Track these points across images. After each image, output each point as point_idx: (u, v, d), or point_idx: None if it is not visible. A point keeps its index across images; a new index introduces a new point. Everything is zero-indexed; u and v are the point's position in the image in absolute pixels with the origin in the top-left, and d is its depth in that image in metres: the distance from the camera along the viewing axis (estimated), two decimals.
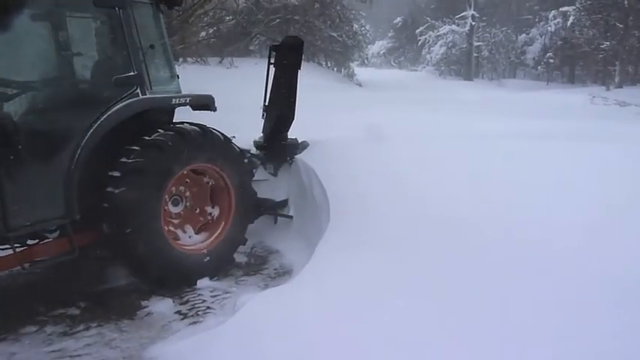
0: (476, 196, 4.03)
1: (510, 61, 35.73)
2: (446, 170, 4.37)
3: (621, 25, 25.60)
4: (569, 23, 29.19)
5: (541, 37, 32.48)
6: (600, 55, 27.98)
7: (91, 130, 3.80)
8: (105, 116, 3.88)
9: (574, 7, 29.22)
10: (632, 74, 28.07)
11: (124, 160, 3.93)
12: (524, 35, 34.46)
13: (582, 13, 28.71)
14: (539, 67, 33.26)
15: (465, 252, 3.58)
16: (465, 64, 32.81)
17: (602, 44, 26.55)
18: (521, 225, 3.68)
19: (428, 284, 3.43)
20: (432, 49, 34.67)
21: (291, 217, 5.45)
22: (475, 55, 33.32)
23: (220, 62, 17.00)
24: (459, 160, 4.55)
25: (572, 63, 32.76)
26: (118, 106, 3.95)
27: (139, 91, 4.08)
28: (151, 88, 4.19)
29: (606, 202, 3.88)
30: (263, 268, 4.80)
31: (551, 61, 31.62)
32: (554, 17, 31.03)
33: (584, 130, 7.43)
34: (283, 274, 4.63)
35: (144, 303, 3.96)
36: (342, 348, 3.02)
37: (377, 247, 3.90)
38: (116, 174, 3.89)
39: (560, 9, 30.27)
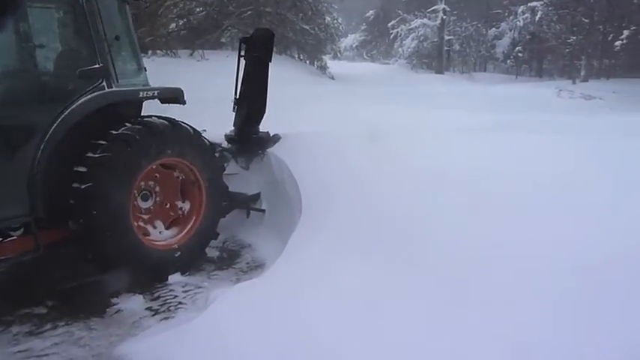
0: (440, 188, 4.08)
1: (481, 54, 36.26)
2: (414, 163, 4.42)
3: (587, 20, 26.26)
4: (537, 18, 29.77)
5: (510, 31, 33.04)
6: (567, 50, 28.68)
7: (55, 125, 3.71)
8: (69, 110, 3.78)
9: (542, 3, 29.82)
10: (597, 68, 28.86)
11: (90, 154, 3.85)
12: (494, 29, 34.99)
13: (550, 8, 29.35)
14: (508, 61, 33.85)
15: (435, 241, 3.63)
16: (436, 58, 33.13)
17: (569, 39, 27.21)
18: (484, 215, 3.74)
19: (401, 276, 3.46)
20: (403, 42, 34.88)
21: (263, 210, 5.43)
22: (446, 48, 33.67)
23: (191, 55, 16.74)
24: (427, 152, 4.60)
25: (540, 57, 33.47)
26: (82, 100, 3.86)
27: (104, 84, 4.00)
28: (118, 81, 4.11)
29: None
30: (235, 262, 4.77)
31: (520, 55, 32.24)
32: (523, 12, 31.58)
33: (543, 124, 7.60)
34: (255, 268, 4.61)
35: (113, 300, 3.89)
36: (314, 341, 3.03)
37: (349, 240, 3.91)
38: (82, 169, 3.80)
39: (529, 4, 30.83)
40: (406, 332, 2.99)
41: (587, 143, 4.85)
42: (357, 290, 3.42)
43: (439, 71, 31.26)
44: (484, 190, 3.98)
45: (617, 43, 24.11)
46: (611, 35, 25.01)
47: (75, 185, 3.77)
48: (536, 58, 33.88)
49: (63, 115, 3.75)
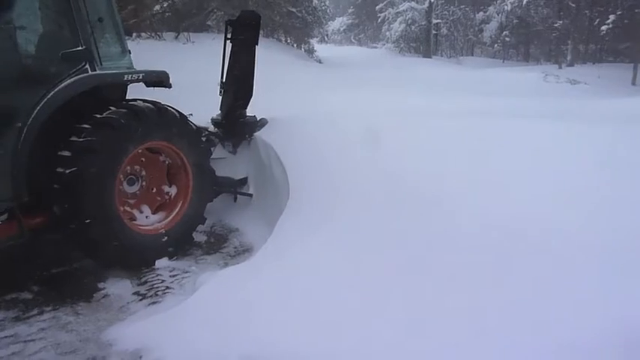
0: (435, 172, 4.10)
1: (468, 39, 36.20)
2: (403, 146, 4.43)
3: (573, 5, 26.29)
4: (524, 2, 29.74)
5: (498, 15, 32.99)
6: (553, 34, 28.73)
7: (38, 108, 3.65)
8: (52, 93, 3.72)
9: None
10: (583, 53, 29.00)
11: (74, 139, 3.79)
12: (481, 13, 34.91)
13: None
14: (495, 45, 33.87)
15: (423, 225, 3.65)
16: (423, 42, 33.02)
17: (556, 23, 27.22)
18: (479, 198, 3.77)
19: (388, 261, 3.49)
20: (391, 26, 34.67)
21: (250, 195, 5.42)
22: (434, 32, 33.55)
23: (176, 37, 16.46)
24: (418, 136, 4.61)
25: (527, 41, 33.52)
26: (65, 83, 3.79)
27: (88, 66, 3.94)
28: (101, 64, 4.05)
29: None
30: (223, 246, 4.77)
31: (507, 39, 32.25)
32: None
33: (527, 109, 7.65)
34: (243, 252, 4.62)
35: (100, 285, 3.88)
36: (302, 325, 3.06)
37: (336, 224, 3.93)
38: (66, 154, 3.75)
39: None
40: (386, 308, 3.07)
41: (561, 126, 4.88)
42: (343, 271, 3.45)
43: (427, 55, 31.18)
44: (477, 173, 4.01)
45: (603, 27, 24.18)
46: (597, 20, 25.09)
47: (59, 170, 3.72)
48: (523, 43, 33.93)
49: (46, 99, 3.69)
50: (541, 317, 2.80)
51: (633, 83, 19.78)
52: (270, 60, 12.00)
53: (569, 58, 25.49)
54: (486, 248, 3.31)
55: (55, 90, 3.74)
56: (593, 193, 3.60)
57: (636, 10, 22.16)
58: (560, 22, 26.39)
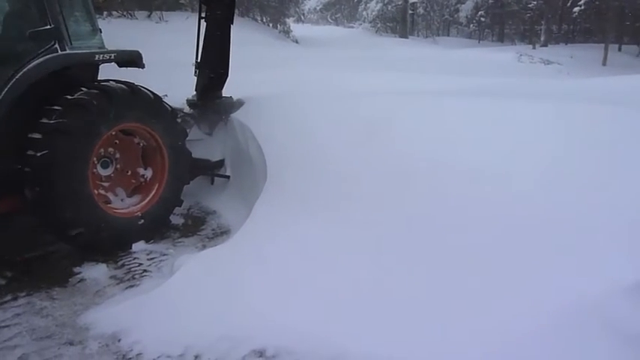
0: (411, 153, 4.13)
1: (444, 19, 36.25)
2: (380, 126, 4.44)
3: None
4: None
5: None
6: (527, 15, 28.97)
7: (5, 90, 3.54)
8: (20, 74, 3.61)
9: None
10: (556, 33, 29.37)
11: (44, 121, 3.70)
12: None
13: None
14: (471, 26, 34.01)
15: (399, 206, 3.69)
16: (400, 22, 32.93)
17: (530, 3, 27.43)
18: (455, 176, 3.81)
19: (364, 241, 3.53)
20: (368, 5, 34.45)
21: (227, 177, 5.39)
22: (410, 12, 33.47)
23: (149, 16, 16.06)
24: (393, 116, 4.62)
25: (501, 22, 33.73)
26: (33, 63, 3.68)
27: (57, 46, 3.82)
28: (71, 44, 3.93)
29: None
30: (200, 229, 4.75)
31: (483, 19, 32.40)
32: None
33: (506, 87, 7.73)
34: (221, 234, 4.61)
35: (76, 269, 3.83)
36: (279, 306, 3.09)
37: (314, 205, 3.95)
38: (37, 136, 3.66)
39: None
40: (359, 282, 3.17)
41: (540, 106, 4.95)
42: (322, 251, 3.49)
43: (403, 35, 31.12)
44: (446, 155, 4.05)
45: (576, 9, 24.49)
46: (570, 1, 25.37)
47: (30, 152, 3.63)
48: (498, 23, 34.14)
49: (13, 80, 3.58)
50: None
51: (604, 64, 20.18)
52: (246, 40, 11.83)
53: (542, 38, 25.78)
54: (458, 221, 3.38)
55: (23, 70, 3.63)
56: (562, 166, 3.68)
57: None
58: (535, 2, 26.60)
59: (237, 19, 5.70)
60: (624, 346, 2.52)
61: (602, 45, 21.31)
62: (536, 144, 3.75)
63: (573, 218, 3.21)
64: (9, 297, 3.45)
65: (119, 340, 2.95)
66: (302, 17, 29.93)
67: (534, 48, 23.16)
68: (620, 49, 24.17)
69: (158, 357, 2.80)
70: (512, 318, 2.78)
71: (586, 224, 3.15)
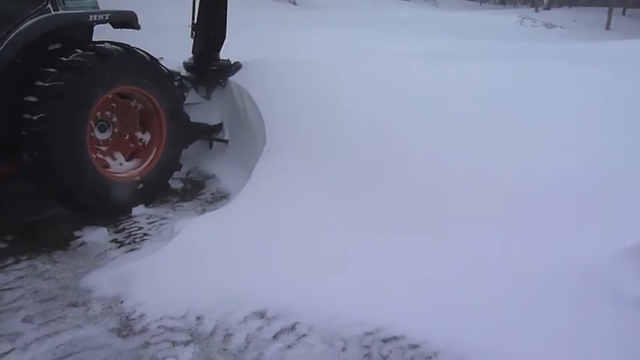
0: (415, 118, 4.10)
1: None
2: (378, 88, 4.39)
3: None
4: None
5: None
6: None
7: None
8: (12, 35, 3.53)
9: None
10: None
11: (40, 83, 3.63)
12: None
13: None
14: None
15: (395, 170, 3.70)
16: None
17: None
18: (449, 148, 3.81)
19: (364, 205, 3.55)
20: None
21: (226, 141, 5.35)
22: None
23: None
24: (390, 78, 4.56)
25: None
26: (26, 24, 3.59)
27: (50, 6, 3.72)
28: (64, 4, 3.83)
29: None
30: (200, 193, 4.75)
31: None
32: None
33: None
34: (220, 198, 4.62)
35: (77, 233, 3.85)
36: (279, 269, 3.12)
37: (313, 168, 3.94)
38: (32, 99, 3.60)
39: None
40: (358, 245, 3.21)
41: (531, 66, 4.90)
42: (322, 216, 3.51)
43: None
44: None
45: None
46: None
47: (26, 116, 3.58)
48: None
49: (6, 41, 3.50)
50: None
51: (607, 27, 19.83)
52: (243, 1, 11.54)
53: (545, 1, 25.24)
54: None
55: (16, 32, 3.55)
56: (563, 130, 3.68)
57: None
58: None
59: None
60: (626, 308, 2.55)
61: (606, 9, 20.87)
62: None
63: (573, 184, 3.23)
64: (11, 260, 3.47)
65: (122, 302, 2.98)
66: None
67: (537, 11, 22.72)
68: (624, 13, 23.71)
69: (161, 318, 2.83)
70: (514, 282, 2.82)
71: (586, 189, 3.17)
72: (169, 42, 6.02)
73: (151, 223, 4.07)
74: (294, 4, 21.16)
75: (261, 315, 2.83)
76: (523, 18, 18.54)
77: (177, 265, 3.20)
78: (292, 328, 2.73)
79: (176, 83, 4.83)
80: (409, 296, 2.82)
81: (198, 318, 2.83)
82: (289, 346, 2.61)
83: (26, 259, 3.49)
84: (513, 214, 3.21)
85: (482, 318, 2.62)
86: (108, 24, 4.22)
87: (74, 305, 2.99)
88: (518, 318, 2.62)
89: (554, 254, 2.91)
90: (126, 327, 2.79)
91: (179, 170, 4.70)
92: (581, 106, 3.89)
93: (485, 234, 3.12)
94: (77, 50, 3.81)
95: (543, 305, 2.67)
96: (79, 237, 3.80)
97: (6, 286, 3.17)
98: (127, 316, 2.87)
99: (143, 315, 2.87)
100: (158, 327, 2.78)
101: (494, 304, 2.72)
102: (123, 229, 3.96)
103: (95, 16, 4.04)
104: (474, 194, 3.37)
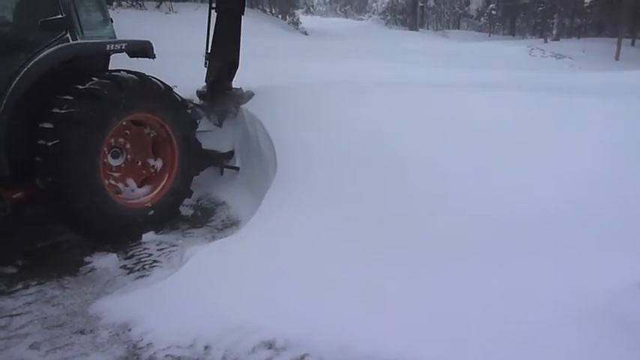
0: (420, 141, 4.10)
1: (455, 11, 35.95)
2: (390, 116, 4.41)
3: None
4: None
5: None
6: (539, 8, 28.64)
7: (17, 79, 3.54)
8: (31, 63, 3.61)
9: None
10: (568, 27, 29.01)
11: (56, 110, 3.70)
12: None
13: None
14: (482, 19, 33.70)
15: (412, 199, 3.68)
16: (410, 14, 32.69)
17: None
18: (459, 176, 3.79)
19: (373, 233, 3.52)
20: None
21: (237, 168, 5.38)
22: (420, 4, 33.21)
23: (158, 7, 16.06)
24: (403, 106, 4.59)
25: (513, 15, 33.39)
26: (45, 52, 3.68)
27: (68, 35, 3.81)
28: (82, 33, 3.93)
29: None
30: (210, 220, 4.75)
31: (494, 12, 32.10)
32: None
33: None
34: (230, 225, 4.61)
35: (86, 259, 3.85)
36: (289, 299, 3.08)
37: (323, 198, 3.93)
38: (48, 125, 3.66)
39: None
40: (368, 276, 3.15)
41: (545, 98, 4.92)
42: (332, 244, 3.47)
43: (413, 28, 30.94)
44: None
45: (587, 0, 24.18)
46: None
47: (41, 142, 3.63)
48: (509, 16, 33.80)
49: (25, 69, 3.58)
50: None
51: (617, 58, 19.92)
52: (256, 31, 11.80)
53: (554, 32, 25.49)
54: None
55: (35, 60, 3.63)
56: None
57: None
58: None
59: (246, 10, 5.67)
60: (633, 340, 2.49)
61: (615, 39, 21.01)
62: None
63: (583, 214, 3.19)
64: (20, 285, 3.47)
65: (130, 330, 2.95)
66: (311, 9, 29.78)
67: (546, 42, 22.93)
68: (633, 44, 23.85)
69: (168, 347, 2.80)
70: (524, 312, 2.76)
71: (596, 220, 3.13)
72: (184, 70, 6.13)
73: (161, 249, 4.07)
74: (306, 34, 21.56)
75: (270, 345, 2.79)
76: (532, 49, 18.70)
77: (185, 293, 3.18)
78: (301, 359, 2.68)
79: (189, 111, 4.89)
80: (428, 330, 2.76)
81: (206, 347, 2.79)
82: None
83: (35, 285, 3.48)
84: (523, 242, 3.16)
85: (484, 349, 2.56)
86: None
87: (82, 332, 2.96)
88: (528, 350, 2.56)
89: (564, 284, 2.85)
90: (133, 355, 2.76)
91: (190, 197, 4.71)
92: (595, 137, 3.87)
93: (498, 265, 3.07)
94: (93, 78, 3.89)
95: (553, 337, 2.61)
96: (88, 263, 3.80)
97: (14, 312, 3.16)
98: (135, 345, 2.84)
99: (150, 344, 2.83)
100: (165, 356, 2.75)
101: (500, 334, 2.66)
102: (132, 256, 3.96)
103: (112, 45, 4.13)
104: (484, 225, 3.33)
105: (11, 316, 3.12)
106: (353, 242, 3.50)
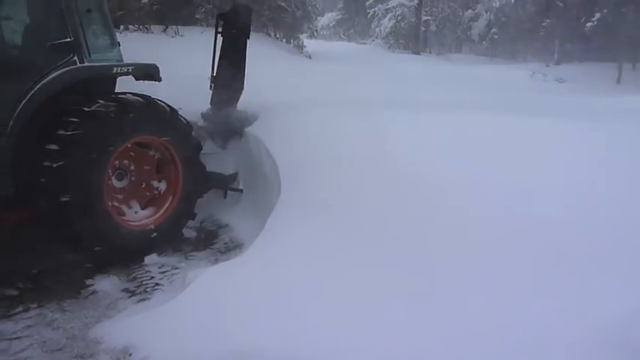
0: (436, 167, 4.09)
1: (457, 36, 36.36)
2: (393, 139, 4.41)
3: (561, 4, 26.50)
4: (512, 0, 29.95)
5: (486, 12, 33.15)
6: (541, 33, 28.94)
7: (24, 101, 3.57)
8: (39, 85, 3.65)
9: None
10: (570, 51, 29.26)
11: (61, 132, 3.72)
12: (470, 11, 35.05)
13: None
14: (484, 43, 34.05)
15: (416, 217, 3.65)
16: (413, 38, 33.07)
17: (543, 22, 27.42)
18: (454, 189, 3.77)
19: (379, 255, 3.48)
20: (381, 22, 34.65)
21: (241, 190, 5.38)
22: (423, 29, 33.63)
23: (164, 31, 16.25)
24: (402, 129, 4.60)
25: (514, 39, 33.74)
26: (53, 75, 3.72)
27: (76, 58, 3.86)
28: (90, 56, 3.98)
29: None
30: (213, 242, 4.73)
31: (496, 37, 32.45)
32: None
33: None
34: (234, 248, 4.58)
35: (88, 281, 3.82)
36: (292, 324, 3.03)
37: (328, 221, 3.90)
38: (53, 147, 3.68)
39: None
40: (375, 300, 3.10)
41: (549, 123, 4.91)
42: (336, 268, 3.44)
43: (416, 52, 31.21)
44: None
45: (588, 24, 24.39)
46: (583, 18, 25.33)
47: (46, 163, 3.64)
48: (510, 41, 34.16)
49: (32, 91, 3.62)
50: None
51: (618, 82, 20.03)
52: (260, 55, 11.90)
53: (556, 56, 25.72)
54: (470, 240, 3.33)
55: (42, 82, 3.67)
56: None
57: (622, 9, 22.40)
58: (548, 20, 26.62)
59: (251, 34, 5.73)
60: None
61: (617, 63, 21.17)
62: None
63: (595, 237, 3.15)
64: (20, 308, 3.44)
65: (130, 355, 2.91)
66: (315, 33, 30.15)
67: (548, 66, 23.10)
68: (633, 67, 24.00)
69: None
70: (534, 337, 2.71)
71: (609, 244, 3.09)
72: (189, 92, 6.17)
73: (163, 272, 4.03)
74: (310, 57, 21.78)
75: None
76: (534, 73, 18.80)
77: (187, 317, 3.13)
78: None
79: (193, 133, 4.91)
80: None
81: None
82: None
83: (35, 307, 3.45)
84: (537, 267, 3.12)
85: None
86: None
87: (81, 357, 2.93)
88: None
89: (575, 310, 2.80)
90: None
91: (193, 219, 4.70)
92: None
93: (506, 290, 3.02)
94: (99, 100, 3.92)
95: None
96: (90, 285, 3.77)
97: (14, 335, 3.13)
98: None
99: None
100: None
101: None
102: (134, 278, 3.92)
103: (119, 68, 4.18)
104: (495, 249, 3.29)
105: (10, 339, 3.09)
106: (357, 265, 3.46)
